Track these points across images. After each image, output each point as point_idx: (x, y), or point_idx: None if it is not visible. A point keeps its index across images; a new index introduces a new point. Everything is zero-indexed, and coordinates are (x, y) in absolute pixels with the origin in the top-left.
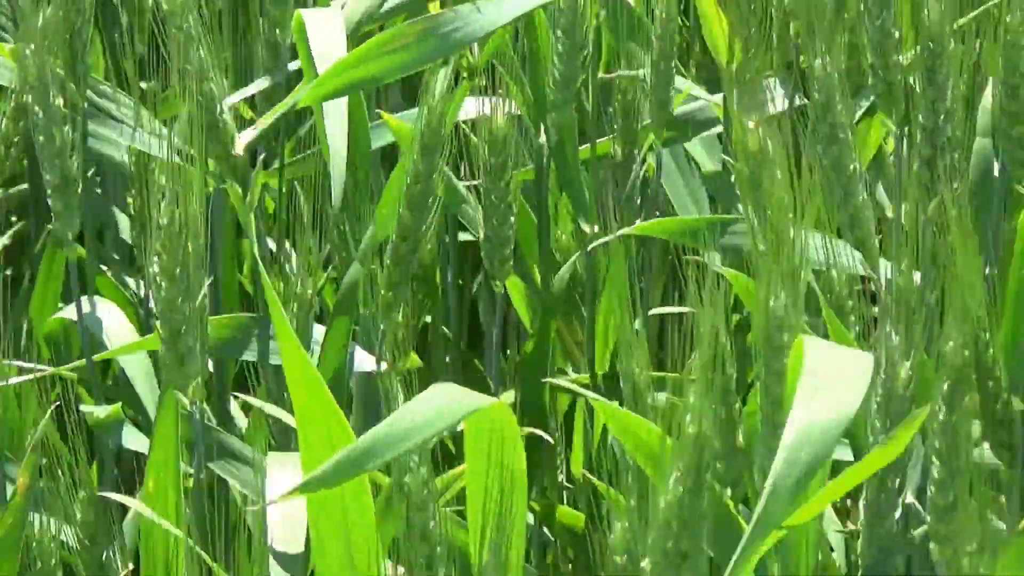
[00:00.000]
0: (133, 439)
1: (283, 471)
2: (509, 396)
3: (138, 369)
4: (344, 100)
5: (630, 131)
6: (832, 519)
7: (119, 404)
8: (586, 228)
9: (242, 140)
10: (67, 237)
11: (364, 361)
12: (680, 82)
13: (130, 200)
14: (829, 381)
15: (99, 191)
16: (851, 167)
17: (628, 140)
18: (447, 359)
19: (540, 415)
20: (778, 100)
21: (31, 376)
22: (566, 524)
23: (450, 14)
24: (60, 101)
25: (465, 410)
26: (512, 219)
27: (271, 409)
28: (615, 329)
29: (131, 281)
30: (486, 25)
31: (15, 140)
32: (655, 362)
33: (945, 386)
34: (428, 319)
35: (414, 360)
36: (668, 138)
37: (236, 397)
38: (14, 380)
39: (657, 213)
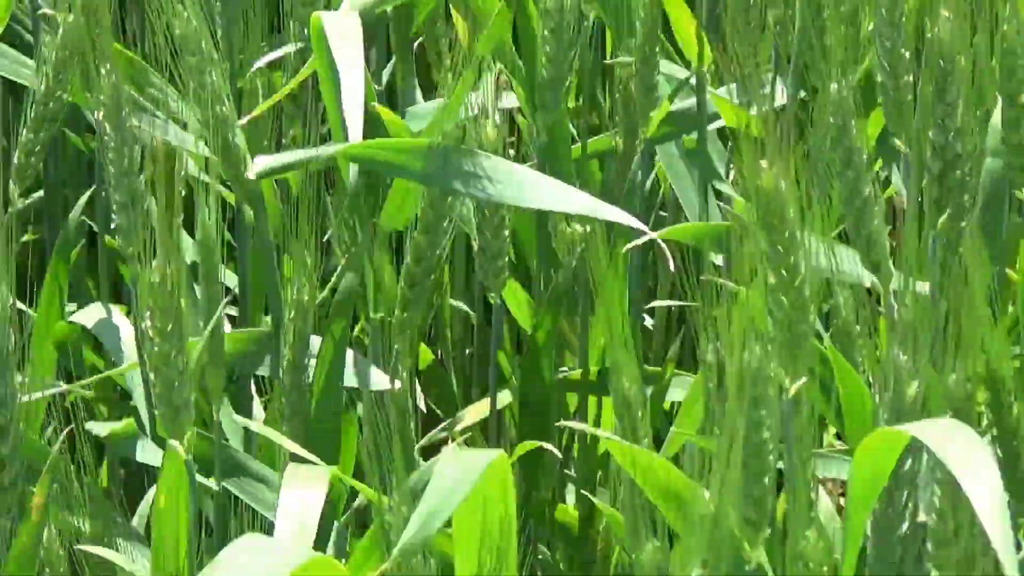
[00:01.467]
0: (150, 453)
1: (297, 486)
2: (506, 396)
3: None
4: (360, 75)
5: (631, 123)
6: (834, 515)
7: (130, 420)
8: (577, 225)
9: (257, 165)
10: (129, 253)
11: (378, 380)
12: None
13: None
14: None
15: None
16: (866, 191)
17: (629, 133)
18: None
19: (540, 413)
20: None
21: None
22: (562, 522)
23: None
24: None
25: (474, 476)
26: (506, 232)
27: (269, 432)
28: (604, 332)
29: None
30: None
31: (35, 149)
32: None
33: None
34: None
35: (427, 354)
36: (668, 133)
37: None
38: (29, 397)
39: (664, 212)
